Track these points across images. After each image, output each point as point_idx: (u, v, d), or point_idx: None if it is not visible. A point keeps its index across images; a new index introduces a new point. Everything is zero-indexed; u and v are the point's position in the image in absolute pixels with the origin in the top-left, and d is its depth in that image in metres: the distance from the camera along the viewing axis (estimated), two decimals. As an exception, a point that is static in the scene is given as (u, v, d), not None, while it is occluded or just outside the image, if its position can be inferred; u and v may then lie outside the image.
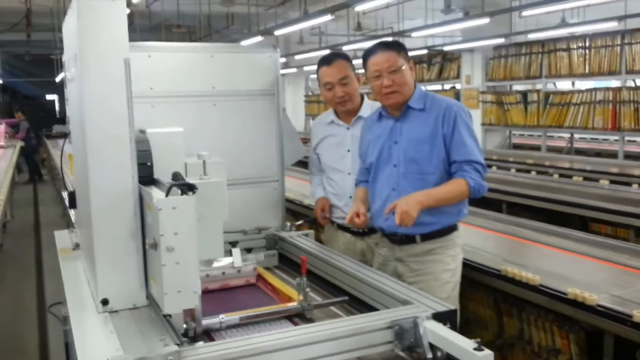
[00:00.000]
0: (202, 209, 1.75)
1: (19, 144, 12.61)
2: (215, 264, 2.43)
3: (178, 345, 1.55)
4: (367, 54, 2.57)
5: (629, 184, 5.25)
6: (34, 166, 14.15)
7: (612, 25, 7.80)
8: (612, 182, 5.40)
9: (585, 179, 5.75)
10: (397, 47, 2.53)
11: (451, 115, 2.46)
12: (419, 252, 2.54)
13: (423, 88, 2.62)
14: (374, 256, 2.87)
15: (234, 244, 2.48)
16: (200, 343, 1.66)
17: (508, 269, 2.88)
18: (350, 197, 2.87)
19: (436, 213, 2.46)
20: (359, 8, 8.51)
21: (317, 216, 3.04)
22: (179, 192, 1.69)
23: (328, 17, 7.85)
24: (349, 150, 2.94)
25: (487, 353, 1.56)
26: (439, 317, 1.81)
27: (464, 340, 1.65)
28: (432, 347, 1.72)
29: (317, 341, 1.66)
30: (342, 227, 2.99)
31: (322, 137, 3.06)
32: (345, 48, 10.71)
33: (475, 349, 1.58)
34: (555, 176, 6.03)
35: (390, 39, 8.55)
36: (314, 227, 3.65)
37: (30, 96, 22.13)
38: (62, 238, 2.88)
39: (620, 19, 7.55)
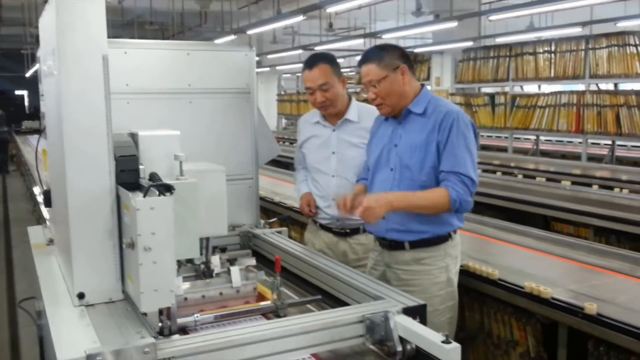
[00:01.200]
0: (179, 210, 1.76)
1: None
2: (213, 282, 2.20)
3: (155, 338, 1.56)
4: (358, 64, 2.52)
5: (589, 185, 5.40)
6: (3, 160, 13.90)
7: (577, 31, 8.00)
8: (573, 182, 5.54)
9: (548, 179, 5.87)
10: (377, 58, 2.42)
11: (448, 123, 2.34)
12: (407, 260, 2.46)
13: (429, 91, 2.52)
14: (356, 257, 2.90)
15: (232, 261, 2.30)
16: (176, 336, 1.68)
17: (469, 264, 2.95)
18: (334, 199, 2.75)
19: (424, 221, 2.39)
20: (332, 9, 8.56)
21: (303, 210, 3.04)
22: (157, 192, 1.69)
23: (300, 18, 7.89)
24: (333, 153, 2.92)
25: (455, 345, 1.61)
26: (408, 311, 1.85)
27: (433, 333, 1.70)
28: (402, 340, 1.76)
29: (290, 334, 1.69)
30: (324, 227, 2.99)
31: (308, 137, 3.04)
32: (317, 48, 10.75)
33: (443, 341, 1.63)
34: (520, 177, 6.14)
35: (384, 37, 8.56)
36: (286, 225, 3.68)
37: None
38: (36, 233, 2.85)
39: (584, 24, 7.74)
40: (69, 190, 1.81)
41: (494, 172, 6.62)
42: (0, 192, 11.40)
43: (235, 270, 2.22)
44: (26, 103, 23.46)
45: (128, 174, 1.87)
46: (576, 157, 7.73)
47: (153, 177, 1.83)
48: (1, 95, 21.86)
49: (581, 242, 3.55)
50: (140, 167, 1.91)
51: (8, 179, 12.91)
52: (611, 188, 5.31)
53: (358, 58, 2.64)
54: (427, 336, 1.69)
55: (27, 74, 15.35)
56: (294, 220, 4.67)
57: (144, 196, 1.67)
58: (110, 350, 1.47)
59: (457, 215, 2.46)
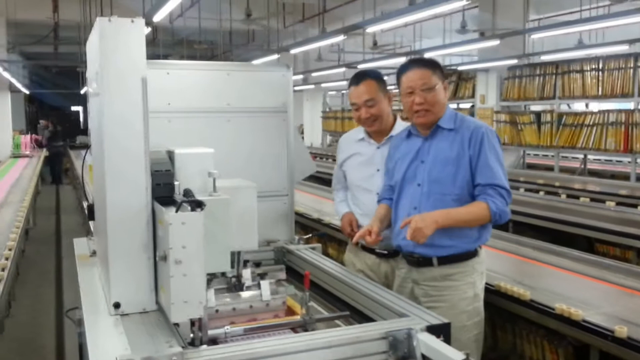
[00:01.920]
0: (210, 225, 1.83)
1: (43, 153, 12.89)
2: (243, 295, 2.25)
3: (183, 347, 1.64)
4: (401, 70, 2.52)
5: (635, 206, 5.28)
6: (58, 173, 14.53)
7: (624, 49, 7.82)
8: (618, 203, 5.43)
9: (592, 199, 5.77)
10: (432, 65, 2.48)
11: (478, 137, 2.40)
12: (436, 276, 2.47)
13: (453, 108, 2.58)
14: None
15: (262, 275, 2.33)
16: (204, 346, 1.74)
17: (501, 284, 2.92)
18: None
19: (454, 236, 2.41)
20: (376, 28, 8.63)
21: (344, 231, 2.94)
22: (189, 208, 1.77)
23: (341, 37, 7.98)
24: (378, 170, 2.86)
25: (475, 364, 1.63)
26: (432, 329, 1.87)
27: (454, 352, 1.71)
28: (425, 358, 1.78)
29: (314, 348, 1.73)
30: (366, 248, 2.89)
31: (350, 154, 2.98)
32: (360, 66, 10.84)
33: (463, 360, 1.65)
34: (563, 196, 6.07)
35: (426, 56, 8.71)
36: (323, 242, 3.72)
37: (56, 107, 22.54)
38: (81, 245, 2.99)
39: (631, 42, 7.57)
40: (108, 205, 1.92)
41: (537, 191, 6.51)
42: (54, 205, 11.84)
43: (265, 284, 2.27)
44: (81, 119, 24.39)
45: (163, 188, 1.96)
46: (626, 177, 7.54)
47: (187, 193, 1.92)
48: (58, 111, 22.75)
49: (619, 264, 3.49)
50: (176, 183, 2.00)
51: (62, 192, 13.41)
52: None
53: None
54: (449, 354, 1.70)
55: (82, 91, 15.99)
56: (330, 237, 4.72)
57: (177, 211, 1.75)
58: (140, 357, 1.55)
59: (486, 228, 2.48)
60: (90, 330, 1.81)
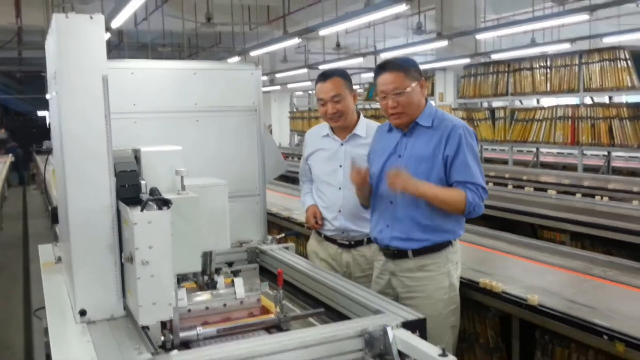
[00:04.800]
0: (179, 224, 1.72)
1: (9, 159, 12.45)
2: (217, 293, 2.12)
3: (152, 354, 1.51)
4: (375, 74, 2.49)
5: (574, 194, 5.47)
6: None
7: (566, 47, 7.98)
8: (559, 192, 5.60)
9: (536, 189, 5.92)
10: (405, 67, 2.41)
11: (456, 137, 2.37)
12: (411, 267, 2.46)
13: (433, 105, 2.54)
14: (359, 268, 2.87)
15: (235, 273, 2.22)
16: (175, 352, 1.62)
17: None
18: (340, 211, 2.84)
19: (429, 231, 2.41)
20: (341, 29, 8.61)
21: (309, 222, 2.98)
22: (155, 207, 1.65)
23: (296, 40, 7.99)
24: (340, 166, 2.89)
25: (451, 358, 1.55)
26: (408, 325, 1.80)
27: (430, 347, 1.65)
28: (401, 354, 1.70)
29: (289, 349, 1.64)
30: (328, 239, 2.94)
31: (315, 149, 3.00)
32: (321, 67, 10.77)
33: (440, 354, 1.58)
34: (510, 187, 6.23)
35: (383, 56, 8.73)
36: (294, 241, 3.63)
37: (22, 113, 21.86)
38: (46, 252, 2.83)
39: (572, 40, 7.72)
40: (70, 207, 1.78)
41: (487, 182, 6.57)
42: (21, 209, 11.44)
43: (239, 282, 2.16)
44: (47, 124, 23.69)
45: (129, 189, 1.83)
46: (575, 168, 7.66)
47: (153, 192, 1.79)
48: (23, 116, 22.06)
49: (543, 243, 3.70)
50: (142, 182, 1.87)
51: (29, 197, 12.98)
52: (592, 196, 5.33)
53: (365, 75, 2.60)
54: (425, 350, 1.63)
55: (47, 96, 15.54)
56: (301, 235, 4.62)
57: (142, 210, 1.63)
58: (107, 367, 1.42)
59: (459, 224, 2.48)
60: (54, 340, 1.66)
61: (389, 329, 1.73)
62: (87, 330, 1.72)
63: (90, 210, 1.78)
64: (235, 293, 2.12)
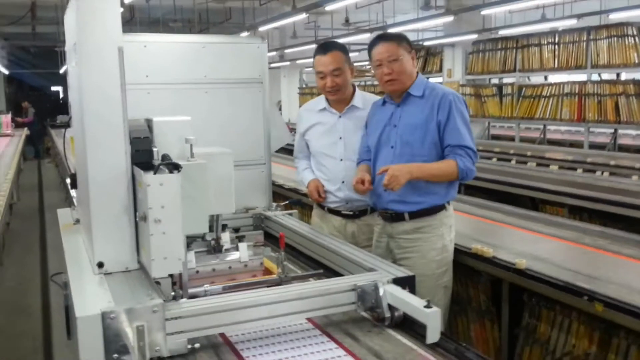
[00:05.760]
0: (188, 188, 1.84)
1: (25, 132, 12.65)
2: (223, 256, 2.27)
3: (164, 300, 1.67)
4: (370, 46, 2.67)
5: (575, 169, 5.63)
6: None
7: (572, 23, 7.93)
8: (561, 167, 5.75)
9: (538, 164, 6.07)
10: (398, 39, 2.63)
11: (446, 103, 2.54)
12: (407, 230, 2.62)
13: (424, 77, 2.71)
14: (365, 237, 2.94)
15: (240, 238, 2.36)
16: (184, 299, 1.78)
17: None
18: (343, 182, 2.90)
19: (423, 193, 2.57)
20: (347, 3, 8.62)
21: (312, 197, 3.01)
22: (166, 170, 1.79)
23: (304, 16, 8.00)
24: (340, 138, 2.93)
25: (435, 310, 1.71)
26: (398, 281, 1.93)
27: (417, 300, 1.79)
28: (391, 307, 1.84)
29: (287, 299, 1.79)
30: (332, 211, 2.98)
31: (313, 124, 3.03)
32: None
33: (425, 306, 1.72)
34: (513, 162, 6.38)
35: (391, 31, 8.75)
36: (297, 209, 3.75)
37: (36, 87, 22.01)
38: (64, 215, 2.98)
39: (579, 16, 7.68)
40: (90, 171, 1.92)
41: (490, 158, 6.75)
42: (37, 182, 11.67)
43: (243, 246, 2.30)
44: (61, 99, 23.85)
45: (142, 154, 1.96)
46: (582, 145, 7.69)
47: (164, 157, 1.93)
48: (38, 91, 22.22)
49: (538, 214, 3.88)
50: (154, 149, 2.00)
51: (44, 171, 13.21)
52: (594, 172, 5.45)
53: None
54: (412, 302, 1.77)
55: (61, 71, 15.65)
56: (304, 204, 4.76)
57: (154, 174, 1.77)
58: (123, 308, 1.58)
59: (453, 187, 2.64)
60: (75, 289, 1.82)
61: (380, 284, 1.87)
62: (104, 280, 1.86)
63: (108, 173, 1.92)
64: (240, 256, 2.27)
